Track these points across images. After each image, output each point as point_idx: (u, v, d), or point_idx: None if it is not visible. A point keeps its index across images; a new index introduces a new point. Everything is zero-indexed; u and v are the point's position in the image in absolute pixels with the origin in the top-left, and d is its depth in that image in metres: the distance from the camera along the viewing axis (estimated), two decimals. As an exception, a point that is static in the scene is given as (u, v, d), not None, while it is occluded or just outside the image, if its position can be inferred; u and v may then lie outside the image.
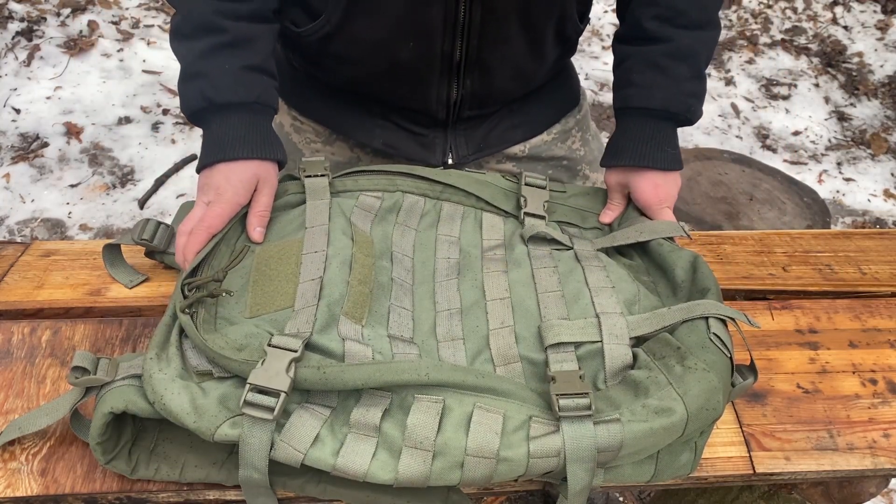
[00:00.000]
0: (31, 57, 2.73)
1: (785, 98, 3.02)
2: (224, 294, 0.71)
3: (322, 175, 0.85)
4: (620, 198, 0.92)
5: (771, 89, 3.06)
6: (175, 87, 2.16)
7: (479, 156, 1.02)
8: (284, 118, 1.06)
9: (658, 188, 0.88)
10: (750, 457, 0.74)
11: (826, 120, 2.93)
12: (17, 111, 2.56)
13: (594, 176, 1.12)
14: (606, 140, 0.97)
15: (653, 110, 0.89)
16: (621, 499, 1.58)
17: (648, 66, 0.89)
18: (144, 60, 2.81)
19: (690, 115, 0.90)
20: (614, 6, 0.98)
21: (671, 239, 0.84)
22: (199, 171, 0.81)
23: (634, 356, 0.68)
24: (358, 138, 1.02)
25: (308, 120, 1.04)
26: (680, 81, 0.89)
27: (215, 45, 0.80)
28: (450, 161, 1.01)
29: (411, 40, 0.87)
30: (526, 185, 0.89)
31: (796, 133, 2.85)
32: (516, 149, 1.05)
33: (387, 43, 0.88)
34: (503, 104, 1.00)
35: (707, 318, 0.69)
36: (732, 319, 0.71)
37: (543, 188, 0.89)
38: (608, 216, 0.91)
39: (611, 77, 0.97)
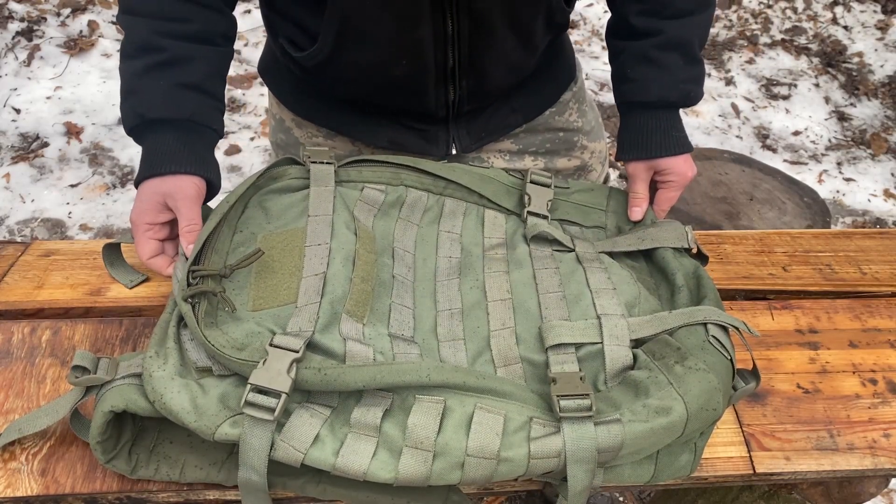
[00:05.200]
0: (31, 57, 2.73)
1: (785, 98, 3.02)
2: (228, 309, 0.70)
3: (328, 163, 0.85)
4: (643, 188, 0.92)
5: (771, 89, 3.06)
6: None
7: (482, 143, 1.03)
8: (285, 114, 1.06)
9: (683, 163, 0.93)
10: (750, 457, 0.74)
11: (826, 120, 2.93)
12: (17, 111, 2.56)
13: (592, 146, 1.13)
14: (606, 132, 0.97)
15: (651, 102, 0.91)
16: (621, 499, 1.58)
17: (640, 61, 0.91)
18: (144, 60, 2.81)
19: (689, 100, 0.92)
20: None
21: (683, 250, 0.84)
22: (136, 186, 0.81)
23: (634, 357, 0.68)
24: (361, 138, 1.02)
25: (309, 122, 1.04)
26: (673, 70, 0.90)
27: (152, 64, 0.79)
28: (453, 152, 1.01)
29: (404, 58, 0.87)
30: (531, 182, 0.89)
31: (796, 133, 2.85)
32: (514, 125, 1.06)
33: (380, 64, 0.88)
34: (501, 94, 1.01)
35: (706, 324, 0.70)
36: (734, 327, 0.71)
37: (548, 186, 0.89)
38: (637, 213, 0.90)
39: (611, 77, 0.97)
